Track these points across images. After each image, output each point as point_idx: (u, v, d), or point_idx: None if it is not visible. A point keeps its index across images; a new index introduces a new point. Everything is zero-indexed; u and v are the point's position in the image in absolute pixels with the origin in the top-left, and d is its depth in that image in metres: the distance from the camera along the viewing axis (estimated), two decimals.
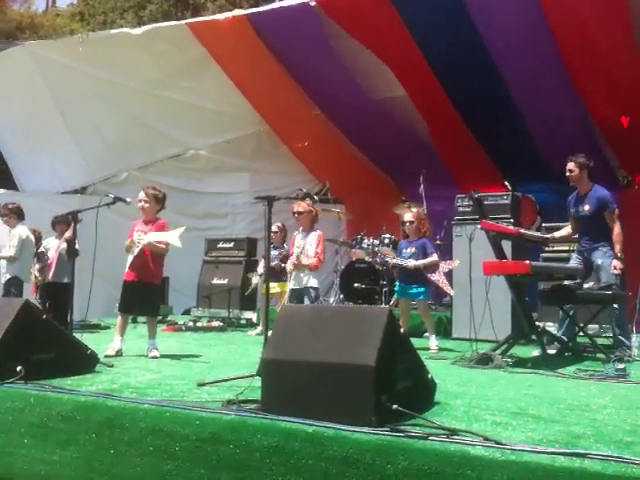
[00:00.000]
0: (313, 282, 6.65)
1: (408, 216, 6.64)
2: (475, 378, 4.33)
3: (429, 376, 3.29)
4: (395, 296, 7.01)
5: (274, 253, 7.49)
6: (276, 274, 7.36)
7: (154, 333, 5.41)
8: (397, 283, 6.73)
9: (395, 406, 2.71)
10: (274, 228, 7.59)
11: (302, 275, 6.63)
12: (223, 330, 8.25)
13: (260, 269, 8.11)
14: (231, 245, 9.54)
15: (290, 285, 6.74)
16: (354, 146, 10.96)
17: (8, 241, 7.34)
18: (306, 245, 6.68)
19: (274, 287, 7.27)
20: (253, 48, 9.12)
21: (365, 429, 2.58)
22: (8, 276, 7.26)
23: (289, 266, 6.73)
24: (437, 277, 6.41)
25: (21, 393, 3.42)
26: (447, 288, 6.57)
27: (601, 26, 7.44)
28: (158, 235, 5.33)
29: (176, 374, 4.25)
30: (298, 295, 6.66)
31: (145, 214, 5.52)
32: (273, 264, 7.32)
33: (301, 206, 6.73)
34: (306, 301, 6.62)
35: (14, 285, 7.20)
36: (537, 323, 6.01)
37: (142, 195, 5.50)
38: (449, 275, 6.74)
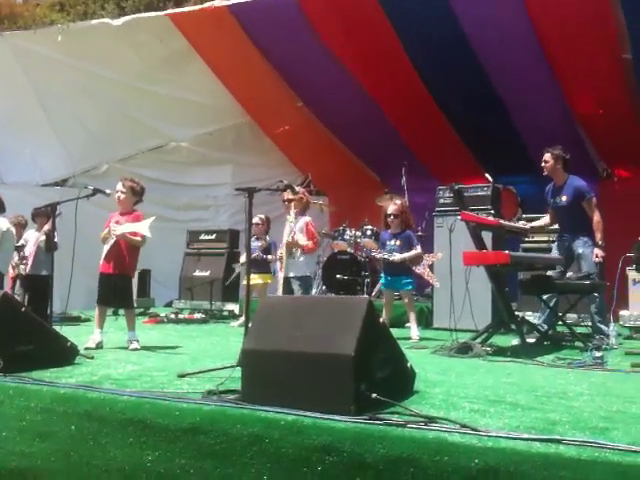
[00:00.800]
0: (306, 270, 6.67)
1: (391, 209, 6.65)
2: (454, 367, 4.37)
3: (408, 365, 3.31)
4: (381, 288, 7.01)
5: (256, 244, 7.47)
6: (258, 265, 7.36)
7: (133, 325, 5.39)
8: (382, 275, 6.75)
9: (374, 395, 2.73)
10: (256, 220, 7.59)
11: (295, 262, 6.62)
12: (205, 322, 8.26)
13: (242, 259, 8.10)
14: (213, 237, 9.53)
15: (283, 273, 6.70)
16: (336, 138, 10.96)
17: None
18: (296, 231, 6.67)
19: (255, 278, 7.27)
20: (235, 39, 9.08)
21: (344, 417, 2.60)
22: None
23: (281, 250, 6.69)
24: (422, 270, 6.47)
25: (0, 385, 3.40)
26: (432, 280, 6.63)
27: (582, 21, 7.49)
28: (130, 226, 5.30)
29: (157, 365, 4.25)
30: (289, 283, 6.66)
31: (122, 205, 5.49)
32: (254, 255, 7.29)
33: (290, 194, 6.65)
34: (298, 290, 6.58)
35: None
36: (516, 313, 6.07)
37: (119, 186, 5.47)
38: (431, 267, 6.79)
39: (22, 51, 9.51)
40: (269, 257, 7.71)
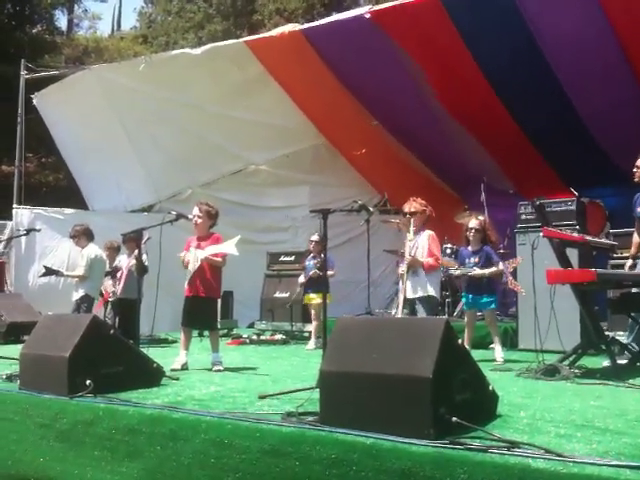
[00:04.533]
0: (430, 290, 5.97)
1: (473, 223, 6.44)
2: (540, 390, 4.23)
3: (490, 388, 3.23)
4: (464, 308, 6.75)
5: (313, 262, 7.61)
6: (316, 284, 7.41)
7: (217, 346, 5.50)
8: (465, 294, 6.53)
9: (454, 418, 2.68)
10: (315, 238, 7.69)
11: (417, 281, 5.97)
12: (286, 343, 8.33)
13: (300, 280, 8.16)
14: (292, 258, 9.61)
15: (408, 294, 5.99)
16: (413, 156, 10.91)
17: (80, 260, 7.65)
18: (418, 247, 6.05)
19: (314, 298, 7.49)
20: (309, 62, 9.23)
21: (424, 441, 2.56)
22: (79, 294, 7.53)
23: (402, 268, 6.05)
24: (505, 278, 6.29)
25: (90, 406, 3.54)
26: (518, 287, 6.38)
27: None
28: (215, 247, 5.45)
29: (239, 386, 4.32)
30: (412, 305, 6.01)
31: (198, 230, 5.65)
32: (311, 273, 7.53)
33: (413, 206, 6.21)
34: (421, 312, 5.93)
35: (85, 302, 7.45)
36: (607, 332, 5.80)
37: (196, 211, 5.64)
38: (514, 276, 6.59)
39: (108, 83, 10.01)
40: (330, 272, 7.70)
